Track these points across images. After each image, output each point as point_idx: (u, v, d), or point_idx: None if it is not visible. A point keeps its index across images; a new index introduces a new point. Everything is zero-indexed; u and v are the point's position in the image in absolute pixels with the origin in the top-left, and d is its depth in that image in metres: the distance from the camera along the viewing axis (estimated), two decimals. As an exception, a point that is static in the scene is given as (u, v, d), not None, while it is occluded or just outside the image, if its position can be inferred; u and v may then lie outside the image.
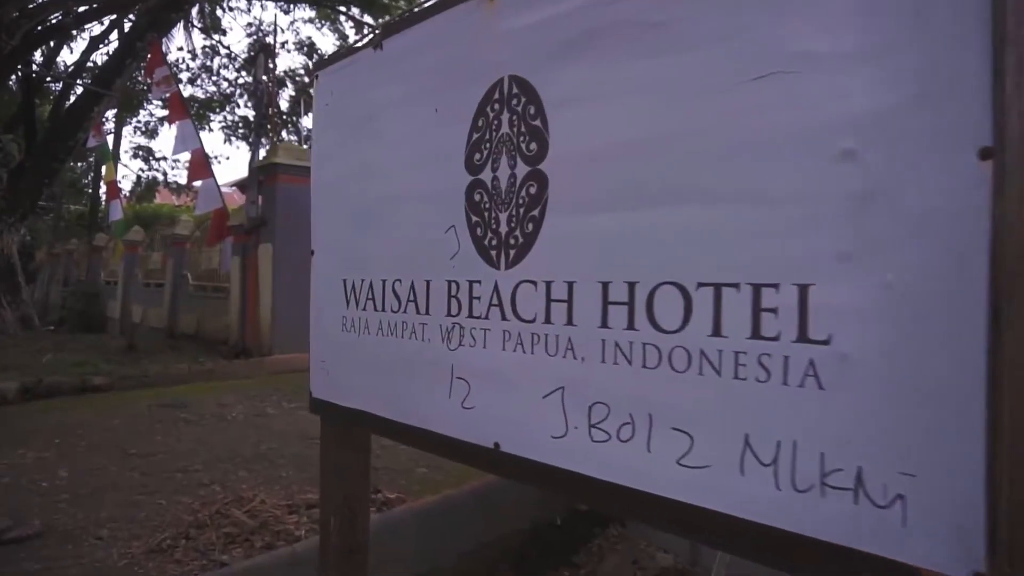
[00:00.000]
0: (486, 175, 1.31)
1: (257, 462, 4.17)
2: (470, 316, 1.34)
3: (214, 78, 18.66)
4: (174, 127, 8.29)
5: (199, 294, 10.32)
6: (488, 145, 1.31)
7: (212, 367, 7.13)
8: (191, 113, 9.41)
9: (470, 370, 1.34)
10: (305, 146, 11.52)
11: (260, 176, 7.88)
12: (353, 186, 1.71)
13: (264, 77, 8.02)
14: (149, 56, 8.63)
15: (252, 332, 7.89)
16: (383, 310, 1.58)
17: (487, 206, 1.30)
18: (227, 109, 19.54)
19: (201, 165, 8.32)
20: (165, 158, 20.81)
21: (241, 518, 3.09)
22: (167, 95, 8.33)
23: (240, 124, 19.58)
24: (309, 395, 1.90)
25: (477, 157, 1.33)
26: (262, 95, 8.07)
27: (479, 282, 1.32)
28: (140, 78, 17.37)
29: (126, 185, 21.14)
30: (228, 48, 21.72)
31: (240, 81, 19.32)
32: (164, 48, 8.31)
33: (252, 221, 7.84)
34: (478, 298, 1.32)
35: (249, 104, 19.83)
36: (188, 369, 7.04)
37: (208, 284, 10.15)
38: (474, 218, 1.33)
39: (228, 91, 19.31)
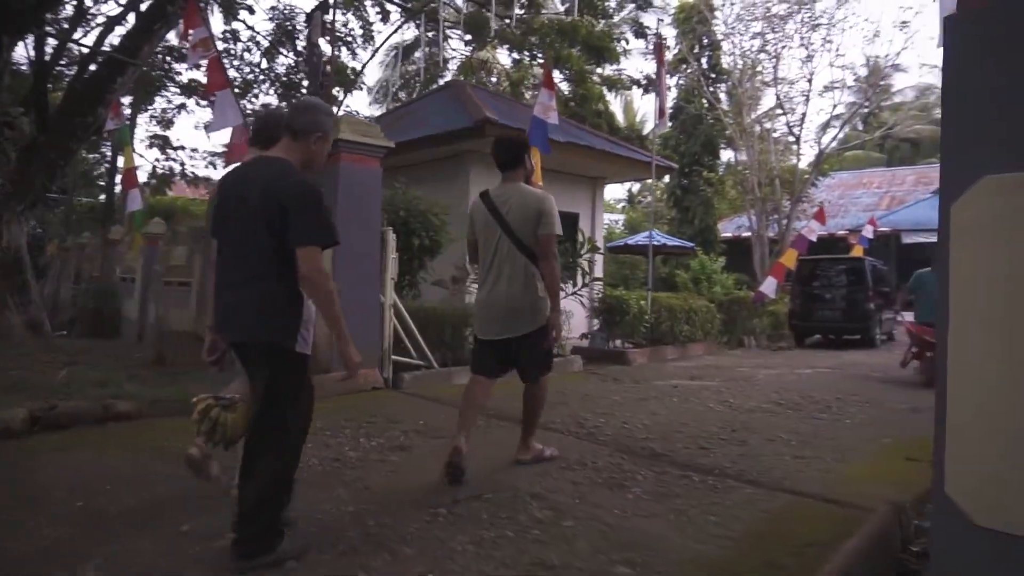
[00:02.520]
0: None
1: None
2: None
3: (236, 62, 17.34)
4: (211, 100, 7.00)
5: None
6: None
7: (262, 387, 5.82)
8: (232, 82, 8.12)
9: None
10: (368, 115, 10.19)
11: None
12: None
13: (321, 40, 6.74)
14: (184, 16, 7.32)
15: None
16: None
17: None
18: (248, 96, 18.21)
19: (243, 144, 7.02)
20: (183, 147, 19.54)
21: None
22: (205, 59, 7.04)
23: (263, 111, 18.27)
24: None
25: None
26: (318, 60, 6.77)
27: None
28: (167, 52, 16.14)
29: (141, 176, 19.87)
30: (252, 28, 20.36)
31: (264, 66, 18.06)
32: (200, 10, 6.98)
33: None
34: None
35: (272, 90, 18.56)
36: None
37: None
38: None
39: (250, 76, 18.00)
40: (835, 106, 19.98)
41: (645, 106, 48.07)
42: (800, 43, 18.46)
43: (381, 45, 15.75)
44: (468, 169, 10.00)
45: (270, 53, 17.63)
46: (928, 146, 37.91)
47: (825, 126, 21.52)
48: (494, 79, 21.12)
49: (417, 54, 20.81)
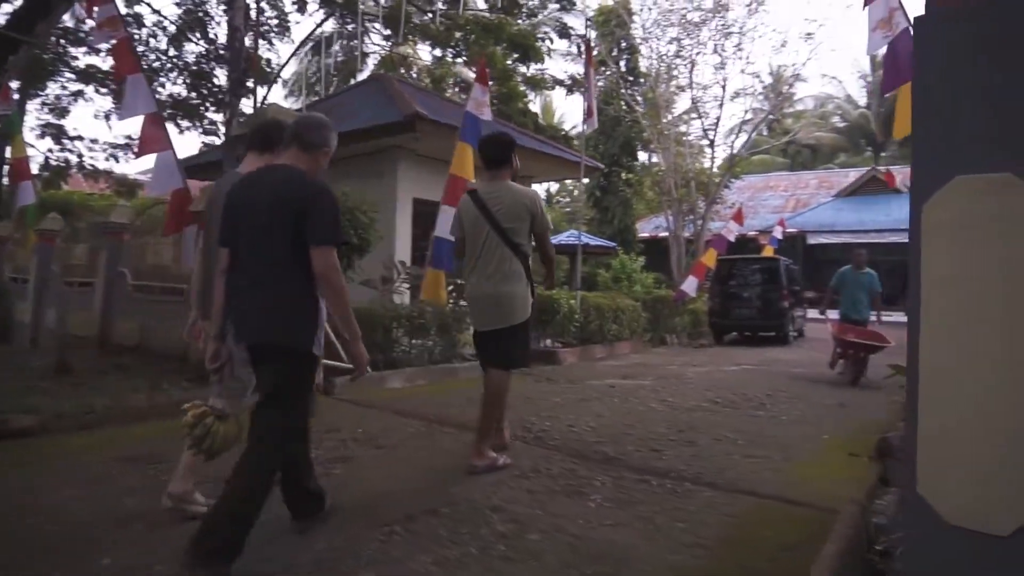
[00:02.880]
0: None
1: None
2: None
3: (141, 48, 16.22)
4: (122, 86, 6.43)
5: (143, 296, 8.35)
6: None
7: (179, 397, 5.36)
8: (143, 67, 7.51)
9: None
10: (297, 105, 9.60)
11: (240, 148, 6.13)
12: None
13: (243, 24, 6.28)
14: (87, -10, 6.69)
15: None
16: None
17: None
18: (154, 85, 17.10)
19: (156, 134, 6.49)
20: (81, 138, 18.10)
21: None
22: (112, 40, 6.46)
23: (169, 103, 17.21)
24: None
25: None
26: (241, 46, 6.32)
27: None
28: (63, 34, 14.93)
29: (32, 168, 18.33)
30: (159, 13, 19.08)
31: (171, 54, 17.00)
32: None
33: (229, 205, 6.08)
34: None
35: (180, 80, 17.57)
36: (149, 401, 5.26)
37: (156, 284, 8.22)
38: None
39: (156, 64, 16.92)
40: (746, 112, 20.67)
41: (563, 106, 48.13)
42: (714, 50, 19.01)
43: (308, 36, 15.07)
44: (397, 165, 9.70)
45: (178, 40, 16.63)
46: (826, 152, 40.04)
47: (737, 131, 22.27)
48: (414, 74, 20.72)
49: (335, 47, 20.19)
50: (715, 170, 20.24)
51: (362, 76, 20.23)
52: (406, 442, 4.57)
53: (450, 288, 8.18)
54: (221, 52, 15.52)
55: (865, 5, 5.57)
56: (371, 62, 21.22)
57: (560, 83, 20.07)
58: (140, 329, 8.11)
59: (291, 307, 2.66)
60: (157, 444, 4.25)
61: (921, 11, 2.47)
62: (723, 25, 18.83)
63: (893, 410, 6.28)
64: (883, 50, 5.45)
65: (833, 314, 8.63)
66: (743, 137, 22.04)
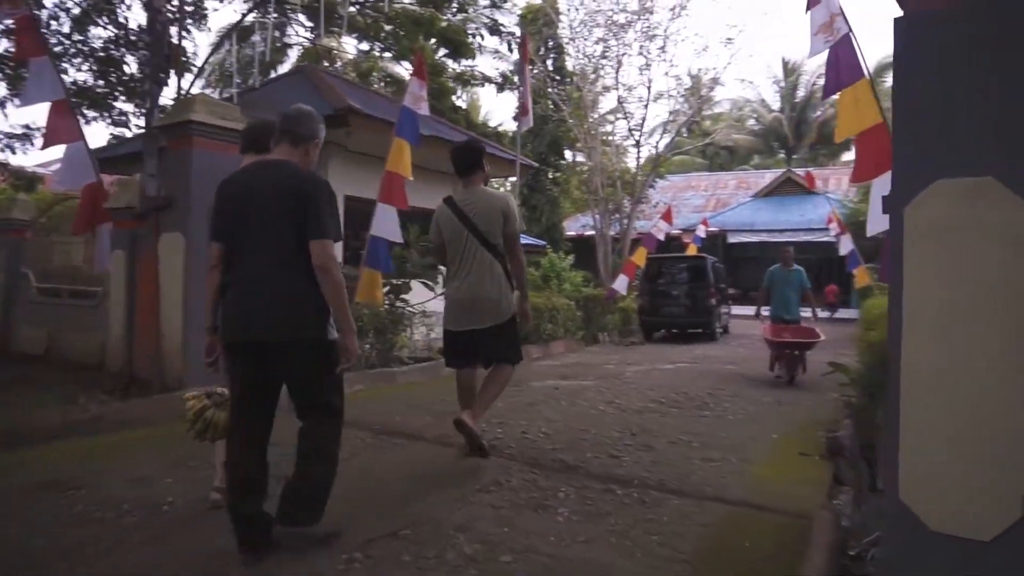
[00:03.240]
0: None
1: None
2: None
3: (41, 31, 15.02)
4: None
5: (49, 300, 7.65)
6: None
7: (99, 411, 4.91)
8: (49, 49, 6.84)
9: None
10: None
11: (162, 140, 5.68)
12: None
13: (164, 6, 5.79)
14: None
15: (147, 355, 5.66)
16: None
17: None
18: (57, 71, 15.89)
19: (64, 124, 5.94)
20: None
21: None
22: (12, 19, 5.86)
23: (73, 91, 16.03)
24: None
25: None
26: (163, 29, 5.84)
27: None
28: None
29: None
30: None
31: (75, 38, 15.81)
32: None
33: (149, 202, 5.61)
34: None
35: (85, 67, 16.41)
36: (62, 416, 4.77)
37: (65, 287, 7.54)
38: None
39: (59, 49, 15.71)
40: (670, 113, 21.08)
41: (488, 103, 48.04)
42: (639, 51, 19.28)
43: (237, 24, 14.23)
44: (327, 160, 9.28)
45: (82, 23, 15.48)
46: (742, 153, 41.50)
47: (661, 131, 22.69)
48: (338, 65, 20.10)
49: (255, 37, 19.32)
50: (636, 169, 20.53)
51: (283, 68, 19.51)
52: (354, 456, 4.29)
53: (386, 289, 7.89)
54: (132, 38, 14.55)
55: (807, 9, 5.64)
56: (293, 54, 20.46)
57: (489, 80, 19.87)
58: (48, 336, 7.44)
59: (302, 302, 2.69)
60: (75, 467, 3.84)
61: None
62: (648, 27, 19.13)
63: (832, 407, 6.44)
64: (824, 55, 5.52)
65: (767, 311, 8.69)
66: (667, 138, 22.51)
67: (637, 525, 3.16)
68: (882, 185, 5.06)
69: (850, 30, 5.28)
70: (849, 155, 40.54)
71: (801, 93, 40.51)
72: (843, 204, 22.15)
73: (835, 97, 5.53)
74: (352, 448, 4.44)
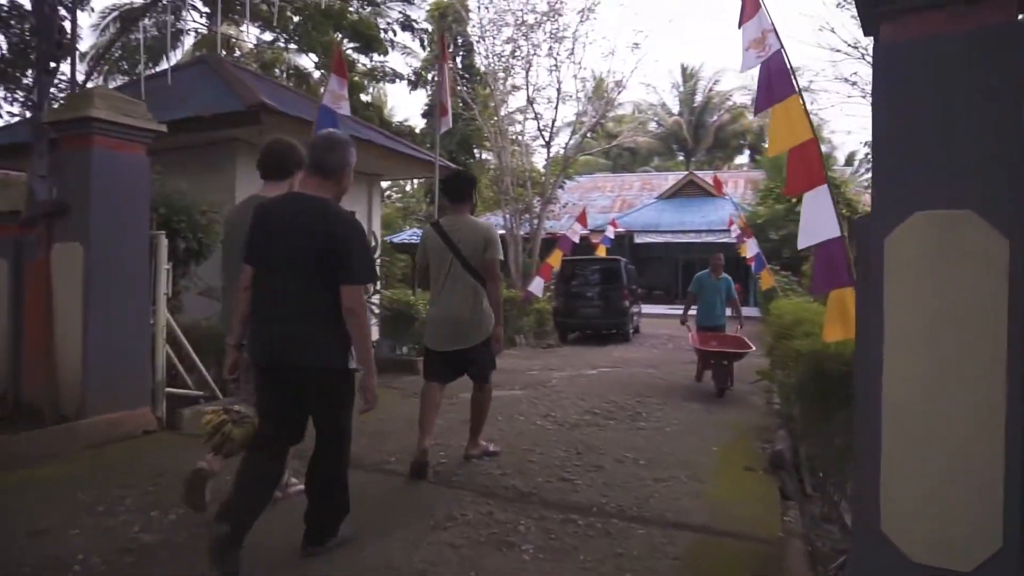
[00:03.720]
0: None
1: None
2: None
3: None
4: None
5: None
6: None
7: (-10, 448, 4.30)
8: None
9: None
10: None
11: (53, 137, 5.06)
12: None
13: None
14: None
15: (38, 379, 5.03)
16: None
17: None
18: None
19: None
20: None
21: None
22: None
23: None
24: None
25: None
26: (52, 12, 5.19)
27: None
28: None
29: None
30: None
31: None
32: None
33: (40, 207, 4.98)
34: None
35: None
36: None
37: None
38: None
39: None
40: (575, 115, 21.29)
41: (394, 99, 47.19)
42: (548, 52, 19.34)
43: (118, 7, 13.13)
44: (235, 159, 8.66)
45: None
46: (644, 155, 42.72)
47: (571, 133, 22.88)
48: (237, 55, 19.05)
49: (145, 21, 17.99)
50: (543, 169, 20.61)
51: (176, 57, 18.33)
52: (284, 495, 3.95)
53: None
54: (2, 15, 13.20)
55: (739, 25, 5.70)
56: (188, 41, 19.24)
57: (401, 76, 19.39)
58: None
59: (326, 334, 2.82)
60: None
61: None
62: (556, 29, 19.21)
63: (759, 413, 6.59)
64: (755, 70, 5.60)
65: (693, 311, 8.66)
66: (575, 138, 22.72)
67: (607, 560, 3.03)
68: (813, 199, 5.19)
69: (781, 47, 5.37)
70: (742, 159, 42.60)
71: (699, 98, 42.15)
72: (742, 207, 23.13)
73: (732, 102, 5.66)
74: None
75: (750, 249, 14.81)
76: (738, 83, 39.00)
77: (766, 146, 36.73)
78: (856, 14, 2.78)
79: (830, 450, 4.66)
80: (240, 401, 3.29)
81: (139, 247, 5.15)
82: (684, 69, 42.20)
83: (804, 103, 5.32)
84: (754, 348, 7.47)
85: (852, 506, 2.88)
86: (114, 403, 4.91)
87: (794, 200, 22.71)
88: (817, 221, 5.17)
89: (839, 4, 16.09)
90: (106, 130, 4.89)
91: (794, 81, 5.34)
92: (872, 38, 2.72)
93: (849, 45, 15.61)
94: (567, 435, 5.42)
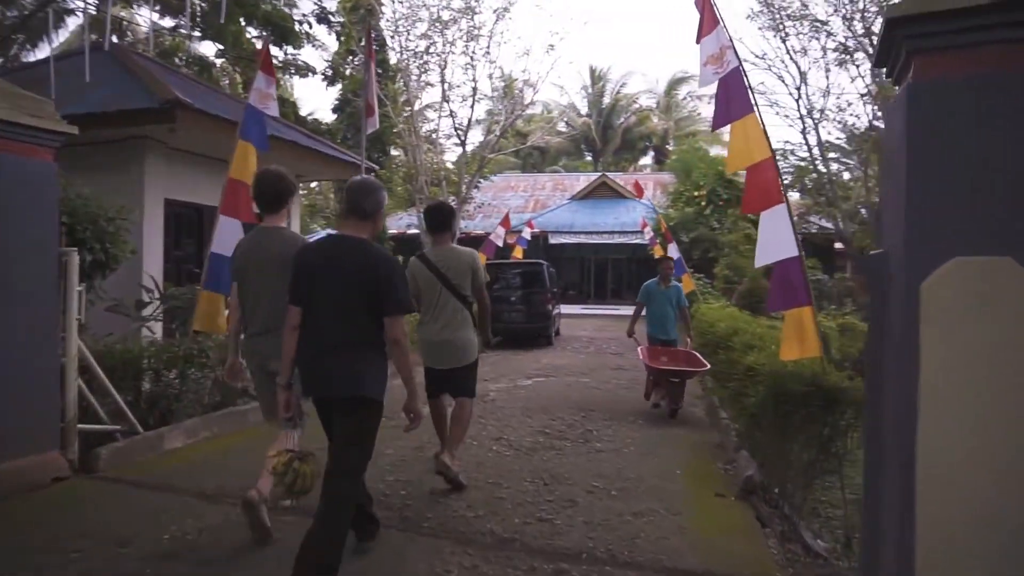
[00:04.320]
0: None
1: None
2: None
3: None
4: None
5: None
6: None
7: None
8: None
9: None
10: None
11: (-61, 138, 4.30)
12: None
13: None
14: None
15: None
16: None
17: None
18: None
19: None
20: None
21: None
22: None
23: None
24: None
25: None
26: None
27: None
28: None
29: None
30: None
31: None
32: None
33: (-78, 219, 4.24)
34: None
35: None
36: None
37: None
38: None
39: None
40: (487, 113, 21.07)
41: (299, 91, 45.38)
42: (463, 50, 19.04)
43: None
44: (143, 158, 7.87)
45: None
46: (553, 155, 43.07)
47: (485, 131, 22.66)
48: (129, 40, 17.61)
49: (24, -2, 16.29)
50: (452, 167, 20.33)
51: (59, 38, 16.78)
52: (217, 544, 3.50)
53: (228, 314, 6.84)
54: None
55: (697, 40, 5.63)
56: (72, 23, 17.62)
57: (314, 70, 18.53)
58: None
59: (371, 366, 3.02)
60: None
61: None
62: (472, 27, 18.93)
63: (706, 427, 6.58)
64: (713, 86, 5.54)
65: (642, 326, 8.26)
66: (490, 137, 22.50)
67: (618, 622, 2.81)
68: (770, 218, 5.17)
69: (740, 64, 5.33)
70: (646, 160, 43.71)
71: (607, 100, 42.88)
72: (654, 209, 23.64)
73: (639, 105, 5.61)
74: (210, 537, 3.62)
75: (672, 253, 15.06)
76: (644, 87, 39.90)
77: (671, 148, 37.93)
78: (876, 44, 2.67)
79: (792, 470, 4.66)
80: (297, 436, 3.44)
81: (46, 266, 4.50)
82: (593, 71, 42.82)
83: (762, 121, 5.31)
84: (708, 367, 7.01)
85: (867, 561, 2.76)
86: (17, 448, 4.26)
87: (703, 204, 23.49)
88: (775, 240, 5.16)
89: (748, 16, 16.66)
90: (9, 134, 4.22)
91: (752, 99, 5.32)
92: (885, 67, 2.65)
93: (756, 56, 16.28)
94: (527, 462, 5.19)
